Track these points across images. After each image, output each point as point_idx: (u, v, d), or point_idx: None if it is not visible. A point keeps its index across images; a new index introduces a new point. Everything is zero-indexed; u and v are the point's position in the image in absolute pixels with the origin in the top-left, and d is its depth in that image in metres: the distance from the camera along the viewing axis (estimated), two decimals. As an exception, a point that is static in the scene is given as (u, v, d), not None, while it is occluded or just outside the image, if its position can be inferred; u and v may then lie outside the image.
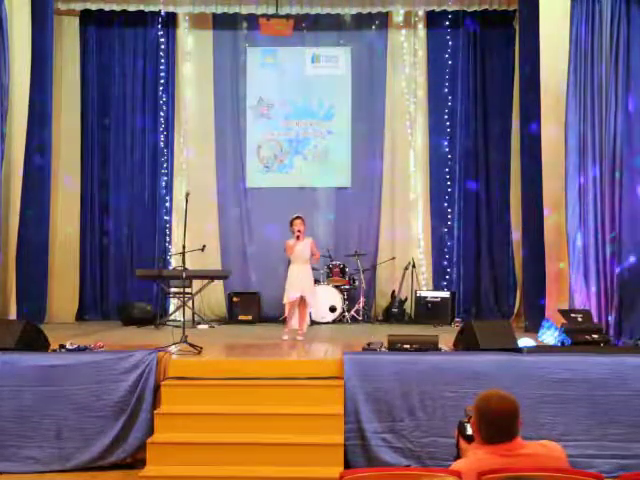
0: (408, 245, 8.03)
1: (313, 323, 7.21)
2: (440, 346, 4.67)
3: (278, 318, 7.52)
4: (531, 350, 4.56)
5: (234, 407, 4.25)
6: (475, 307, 7.83)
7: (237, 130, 8.24)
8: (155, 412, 4.23)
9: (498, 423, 2.18)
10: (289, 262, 5.93)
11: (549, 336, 5.39)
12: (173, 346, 4.80)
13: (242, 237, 8.20)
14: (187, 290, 6.87)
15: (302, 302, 5.77)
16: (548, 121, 6.23)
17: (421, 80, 8.05)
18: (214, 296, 7.89)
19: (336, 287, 7.58)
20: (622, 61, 5.65)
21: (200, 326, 7.07)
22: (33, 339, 4.67)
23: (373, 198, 8.18)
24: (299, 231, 5.72)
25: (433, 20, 7.98)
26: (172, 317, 7.39)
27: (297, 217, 5.83)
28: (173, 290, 7.29)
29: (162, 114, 8.11)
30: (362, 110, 8.21)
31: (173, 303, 7.79)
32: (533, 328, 6.10)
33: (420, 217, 8.08)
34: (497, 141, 7.96)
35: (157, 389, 4.31)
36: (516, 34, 7.46)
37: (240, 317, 7.54)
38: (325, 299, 7.26)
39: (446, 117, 8.07)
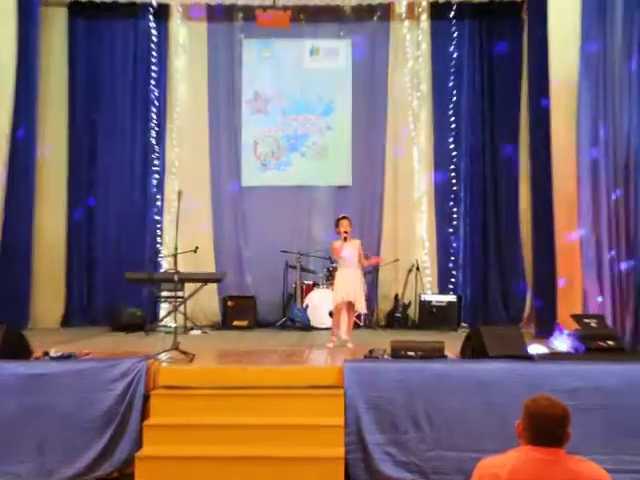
0: (412, 246, 8.03)
1: (312, 329, 7.23)
2: (446, 353, 4.66)
3: (275, 324, 7.52)
4: (542, 357, 4.56)
5: (228, 418, 4.21)
6: (483, 312, 7.83)
7: (232, 126, 8.25)
8: (144, 424, 4.19)
9: (544, 425, 2.21)
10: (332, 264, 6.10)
11: (561, 342, 5.37)
12: (164, 353, 4.78)
13: (237, 238, 8.20)
14: (179, 294, 6.85)
15: (350, 307, 5.80)
16: (558, 116, 6.17)
17: (425, 73, 8.04)
18: (207, 300, 7.87)
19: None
20: (637, 50, 5.57)
21: (192, 332, 7.08)
22: (15, 346, 4.61)
23: (375, 197, 8.19)
24: (346, 232, 5.73)
25: (437, 11, 7.95)
26: (163, 322, 7.37)
27: (343, 217, 5.86)
28: (164, 294, 7.30)
29: (153, 109, 8.06)
30: (363, 105, 8.21)
31: (164, 308, 7.78)
32: (544, 334, 6.05)
33: (424, 217, 8.08)
34: (505, 137, 7.91)
35: (146, 399, 4.27)
36: (524, 24, 7.42)
37: (235, 323, 7.54)
38: (325, 304, 7.25)
39: (451, 112, 8.04)
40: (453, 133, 8.02)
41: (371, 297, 7.85)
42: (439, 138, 8.04)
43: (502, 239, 7.90)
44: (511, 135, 7.84)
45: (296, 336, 6.83)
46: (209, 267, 7.88)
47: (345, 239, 5.74)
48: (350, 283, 5.73)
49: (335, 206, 8.09)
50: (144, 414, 4.23)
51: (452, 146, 8.05)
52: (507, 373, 4.21)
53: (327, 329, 7.09)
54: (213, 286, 7.76)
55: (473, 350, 4.66)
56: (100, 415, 4.16)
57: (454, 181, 8.04)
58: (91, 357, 4.75)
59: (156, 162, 8.12)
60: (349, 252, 5.76)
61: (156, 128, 8.10)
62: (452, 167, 8.05)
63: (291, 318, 7.44)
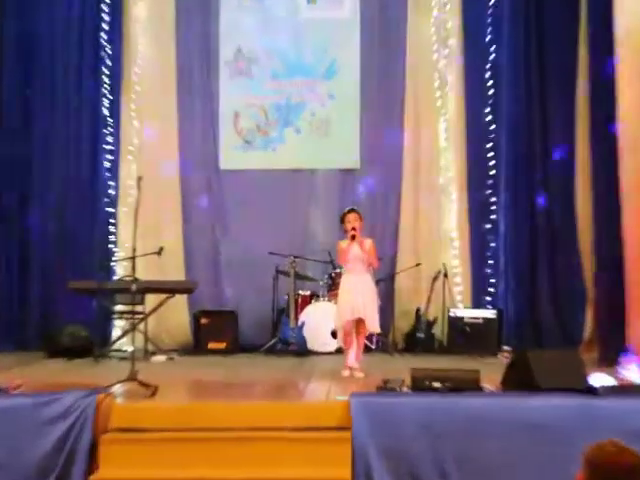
0: (438, 247, 8.06)
1: (309, 353, 7.29)
2: (483, 385, 4.69)
3: (262, 347, 7.52)
4: (608, 390, 4.54)
5: (201, 470, 4.18)
6: (530, 331, 7.79)
7: (207, 93, 8.31)
8: (91, 478, 4.14)
9: (611, 477, 2.24)
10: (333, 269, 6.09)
11: (632, 372, 5.45)
12: (118, 386, 4.79)
13: (214, 237, 8.27)
14: (138, 308, 6.88)
15: (360, 325, 5.83)
16: (626, 87, 6.11)
17: (454, 25, 8.07)
18: (175, 317, 7.92)
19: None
20: None
21: (155, 358, 7.09)
22: None
23: (390, 184, 8.22)
24: (354, 229, 5.78)
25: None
26: (117, 346, 7.36)
27: (351, 210, 5.94)
28: (119, 308, 7.31)
29: (106, 71, 8.07)
30: (375, 67, 8.26)
31: (119, 326, 7.82)
32: (610, 360, 6.08)
33: (454, 210, 8.10)
34: (557, 109, 7.84)
35: (94, 446, 4.24)
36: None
37: (210, 345, 7.59)
38: (326, 320, 7.24)
39: (488, 76, 8.03)
40: (490, 101, 8.01)
41: (385, 312, 7.82)
42: (472, 108, 8.04)
43: (555, 239, 7.86)
44: (565, 106, 7.75)
45: (289, 363, 6.85)
46: (177, 274, 7.95)
47: (353, 238, 5.77)
48: (359, 295, 5.74)
49: (340, 196, 8.18)
50: (90, 466, 4.20)
51: (489, 118, 8.02)
52: (562, 411, 4.23)
53: (329, 353, 7.27)
54: (182, 298, 7.78)
55: (518, 381, 4.67)
56: (32, 467, 4.13)
57: (492, 163, 8.01)
58: (22, 391, 4.70)
59: (109, 139, 8.14)
60: (358, 255, 5.78)
61: (109, 96, 8.12)
62: (489, 145, 8.01)
63: (283, 339, 7.45)
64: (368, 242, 5.89)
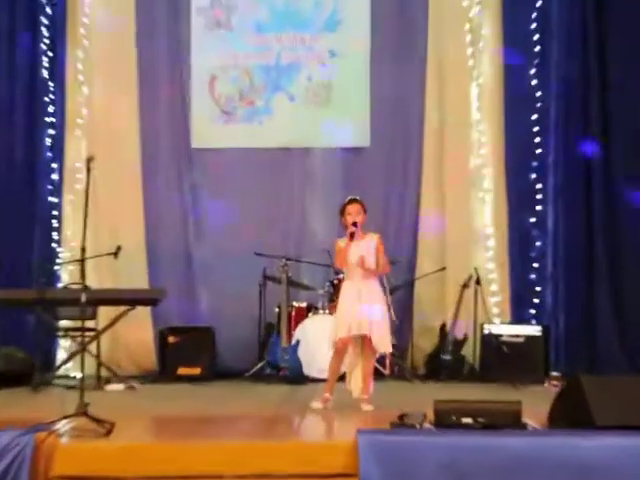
0: (468, 247, 8.08)
1: (306, 380, 7.34)
2: (525, 420, 4.64)
3: (245, 372, 7.51)
4: None
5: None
6: (586, 353, 7.82)
7: (176, 49, 8.30)
8: (28, 541, 4.05)
9: None
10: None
11: None
12: (63, 422, 4.68)
13: (185, 233, 8.30)
14: (89, 324, 6.84)
15: (367, 346, 5.82)
16: None
17: (489, -40, 8.14)
18: (136, 335, 7.93)
19: (345, 318, 7.70)
20: None
21: (111, 387, 7.08)
22: None
23: (408, 166, 8.21)
24: (355, 224, 5.79)
25: None
26: (62, 371, 7.34)
27: (351, 201, 5.94)
28: (64, 324, 7.27)
29: (44, 21, 8.12)
30: (387, 15, 8.26)
31: (64, 347, 7.83)
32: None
33: (489, 199, 8.10)
34: (624, 68, 7.82)
35: (33, 499, 4.11)
36: None
37: (180, 371, 7.60)
38: (326, 338, 6.79)
39: (534, 26, 8.06)
40: (537, 60, 8.02)
41: (402, 329, 7.83)
42: (513, 68, 8.01)
43: (619, 237, 7.87)
44: (634, 63, 7.75)
45: (280, 392, 6.84)
46: (139, 280, 7.94)
47: (352, 235, 5.77)
48: (364, 304, 5.74)
49: (343, 181, 8.14)
50: (29, 523, 4.07)
51: (535, 81, 8.03)
52: (625, 453, 4.17)
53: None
54: (145, 312, 7.78)
55: (570, 416, 4.64)
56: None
57: (537, 139, 8.02)
58: (-57, 428, 4.49)
59: (50, 109, 8.18)
60: (357, 254, 5.78)
61: (49, 53, 8.15)
62: (534, 116, 8.01)
63: (272, 363, 7.48)
64: (374, 239, 5.89)
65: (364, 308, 5.71)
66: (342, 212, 5.90)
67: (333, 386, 5.86)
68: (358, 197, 5.95)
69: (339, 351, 5.82)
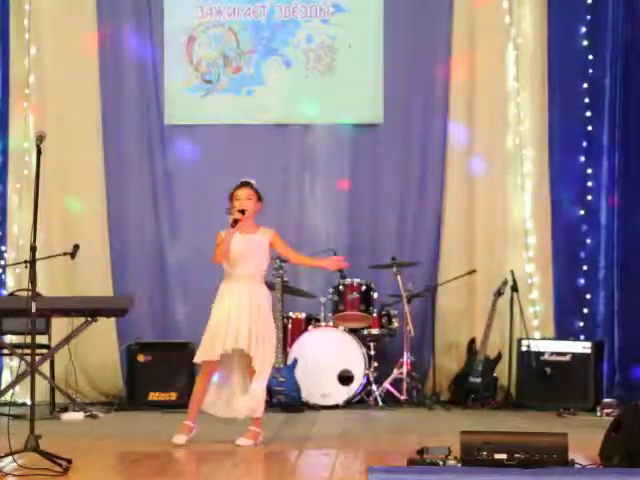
0: (502, 246, 8.04)
1: (304, 407, 7.33)
2: (572, 457, 4.57)
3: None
4: None
5: None
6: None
7: (146, 6, 8.20)
8: None
9: None
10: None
11: None
12: (8, 459, 4.69)
13: (157, 228, 8.29)
14: (41, 340, 6.87)
15: (246, 365, 5.77)
16: None
17: None
18: (99, 352, 7.93)
19: (353, 332, 7.70)
20: None
21: (68, 415, 7.07)
22: None
23: (428, 149, 8.13)
24: (242, 212, 5.75)
25: None
26: (7, 397, 7.16)
27: (243, 184, 5.91)
28: (9, 340, 7.41)
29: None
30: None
31: (10, 367, 7.86)
32: None
33: (528, 188, 7.98)
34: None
35: None
36: None
37: (152, 396, 7.57)
38: (329, 359, 7.44)
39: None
40: (589, 17, 7.90)
41: (421, 345, 7.97)
42: (559, 28, 7.97)
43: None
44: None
45: (274, 421, 6.74)
46: (101, 287, 7.99)
47: (235, 222, 5.69)
48: (244, 313, 5.66)
49: (351, 164, 8.16)
50: None
51: (585, 43, 7.96)
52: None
53: (334, 407, 7.42)
54: (109, 324, 7.73)
55: (627, 451, 4.55)
56: None
57: (589, 113, 7.99)
58: None
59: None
60: (243, 251, 5.73)
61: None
62: (585, 85, 7.95)
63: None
64: (268, 234, 5.90)
65: (243, 317, 5.67)
66: (231, 198, 5.91)
67: (194, 411, 5.85)
68: (252, 181, 5.92)
69: (206, 372, 5.80)
